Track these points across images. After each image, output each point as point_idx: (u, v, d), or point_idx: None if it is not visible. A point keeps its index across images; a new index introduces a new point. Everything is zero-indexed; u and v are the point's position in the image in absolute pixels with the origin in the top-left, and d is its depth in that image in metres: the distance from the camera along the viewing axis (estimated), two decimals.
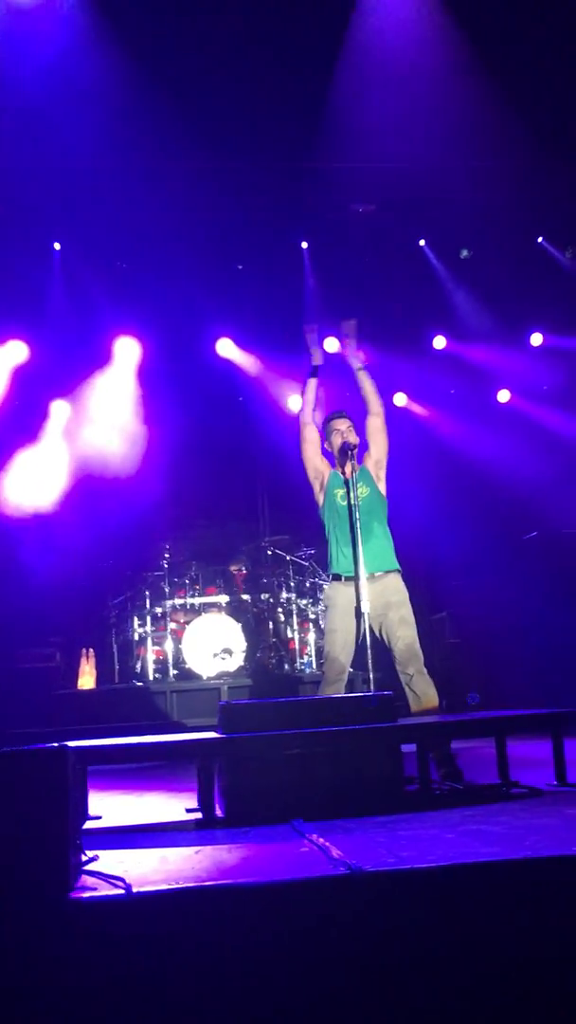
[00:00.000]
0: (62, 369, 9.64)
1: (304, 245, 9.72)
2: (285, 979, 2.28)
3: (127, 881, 2.40)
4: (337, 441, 5.00)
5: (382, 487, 5.06)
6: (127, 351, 9.84)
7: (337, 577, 4.97)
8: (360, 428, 5.13)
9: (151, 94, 7.50)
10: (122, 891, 2.34)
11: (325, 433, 5.16)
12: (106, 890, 2.38)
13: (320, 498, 5.11)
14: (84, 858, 2.70)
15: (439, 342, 10.37)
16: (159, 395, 9.90)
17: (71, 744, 2.64)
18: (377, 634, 4.80)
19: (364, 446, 5.07)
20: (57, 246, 9.22)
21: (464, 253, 9.62)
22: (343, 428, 5.04)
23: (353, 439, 4.94)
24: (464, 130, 8.07)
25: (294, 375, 10.37)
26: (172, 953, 2.26)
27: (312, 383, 5.26)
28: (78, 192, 8.58)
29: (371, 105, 7.89)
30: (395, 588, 4.90)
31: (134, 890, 2.35)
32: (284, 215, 9.21)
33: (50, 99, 7.53)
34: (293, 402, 10.43)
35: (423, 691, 4.74)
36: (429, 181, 8.73)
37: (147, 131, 7.81)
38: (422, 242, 9.78)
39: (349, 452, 4.85)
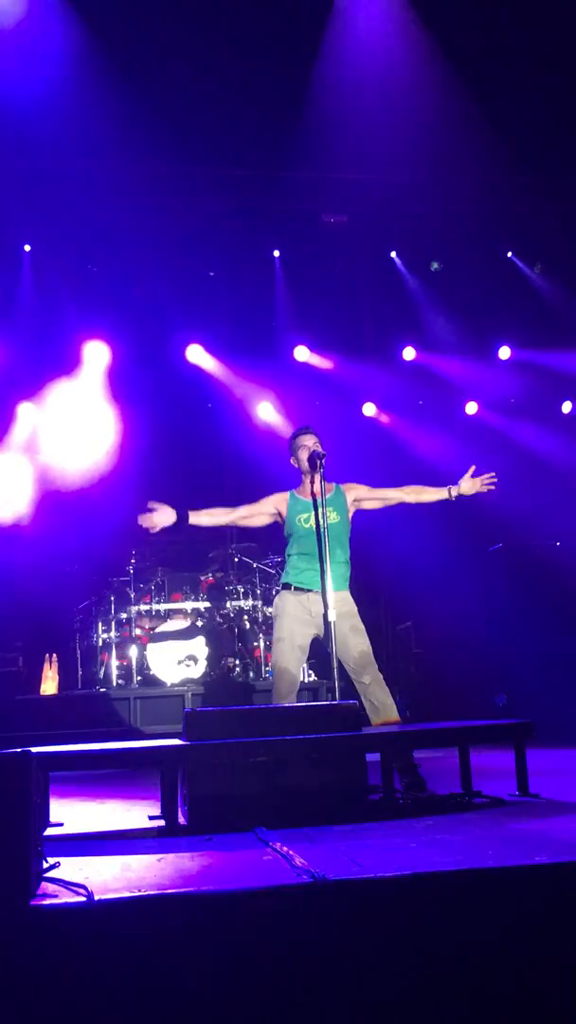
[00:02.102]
0: (30, 372, 9.57)
1: (276, 254, 9.76)
2: (247, 987, 2.28)
3: (89, 888, 2.38)
4: (304, 456, 4.96)
5: (350, 516, 5.06)
6: (96, 355, 9.80)
7: (287, 587, 4.95)
8: (375, 480, 5.16)
9: (125, 99, 7.50)
10: (84, 898, 2.32)
11: (291, 449, 5.12)
12: (67, 897, 2.36)
13: (284, 526, 5.07)
14: (45, 865, 2.67)
15: (408, 353, 10.45)
16: (127, 400, 9.87)
17: (34, 750, 2.62)
18: (334, 645, 4.78)
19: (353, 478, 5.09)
20: (27, 248, 9.17)
21: (434, 266, 9.71)
22: (310, 444, 5.01)
23: (321, 450, 4.92)
24: (436, 145, 8.16)
25: (263, 382, 10.39)
26: (134, 961, 2.25)
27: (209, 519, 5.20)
28: (49, 194, 8.55)
29: (345, 117, 7.96)
30: (346, 600, 4.88)
31: (96, 897, 2.33)
32: (257, 223, 9.25)
33: (23, 101, 7.50)
34: (263, 411, 10.45)
35: (382, 703, 4.72)
36: (401, 194, 8.82)
37: (121, 135, 7.81)
38: (393, 254, 9.85)
39: (318, 462, 4.84)
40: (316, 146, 8.21)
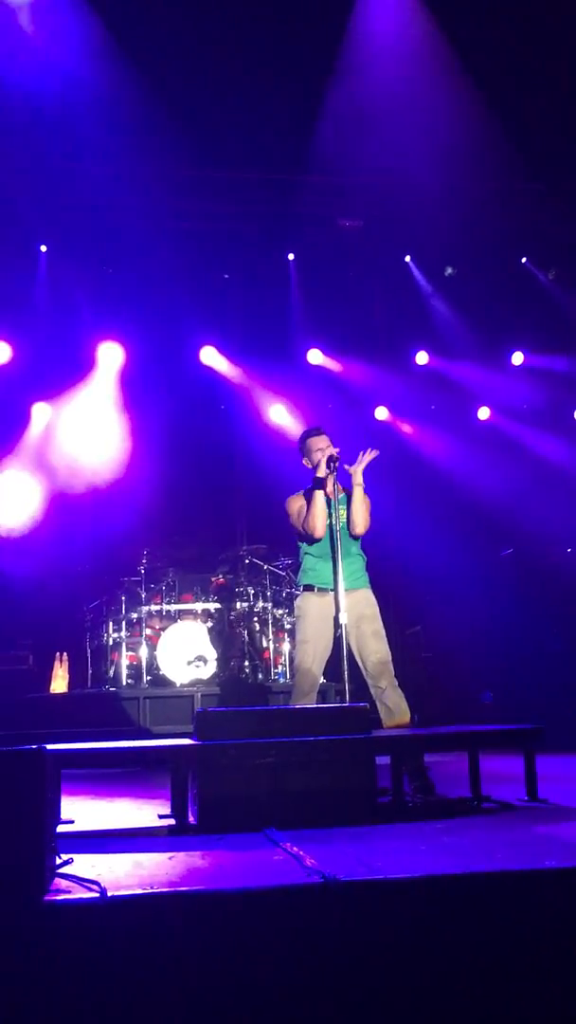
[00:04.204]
0: (45, 372, 9.62)
1: (291, 257, 9.78)
2: (257, 985, 2.30)
3: (102, 885, 2.41)
4: (318, 458, 4.99)
5: None
6: (110, 356, 9.84)
7: (309, 588, 4.98)
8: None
9: (143, 101, 7.54)
10: (97, 895, 2.35)
11: (302, 450, 5.14)
12: (81, 893, 2.39)
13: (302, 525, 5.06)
14: (58, 861, 2.70)
15: (421, 358, 10.46)
16: (141, 401, 9.90)
17: (48, 747, 2.64)
18: (349, 647, 4.81)
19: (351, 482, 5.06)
20: (44, 248, 9.22)
21: (449, 271, 9.72)
22: (323, 445, 5.03)
23: (334, 451, 4.95)
24: (453, 150, 8.17)
25: (276, 385, 10.42)
26: (145, 957, 2.27)
27: (322, 495, 4.95)
28: (67, 196, 8.60)
29: (362, 122, 7.98)
30: (368, 601, 4.94)
31: (108, 894, 2.35)
32: (272, 226, 9.28)
33: (43, 102, 7.55)
34: (275, 413, 10.47)
35: (395, 705, 4.76)
36: (416, 199, 8.83)
37: (138, 138, 7.85)
38: (408, 258, 9.87)
39: (332, 465, 4.87)
40: (333, 150, 8.24)
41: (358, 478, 4.93)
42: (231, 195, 8.84)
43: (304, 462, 5.12)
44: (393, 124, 7.92)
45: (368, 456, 4.96)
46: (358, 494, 4.94)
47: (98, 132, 7.80)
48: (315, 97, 7.86)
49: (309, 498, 4.99)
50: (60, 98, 7.55)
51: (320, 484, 4.90)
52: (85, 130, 7.79)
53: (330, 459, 4.88)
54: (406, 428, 10.78)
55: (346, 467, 4.96)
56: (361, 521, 4.96)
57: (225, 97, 7.77)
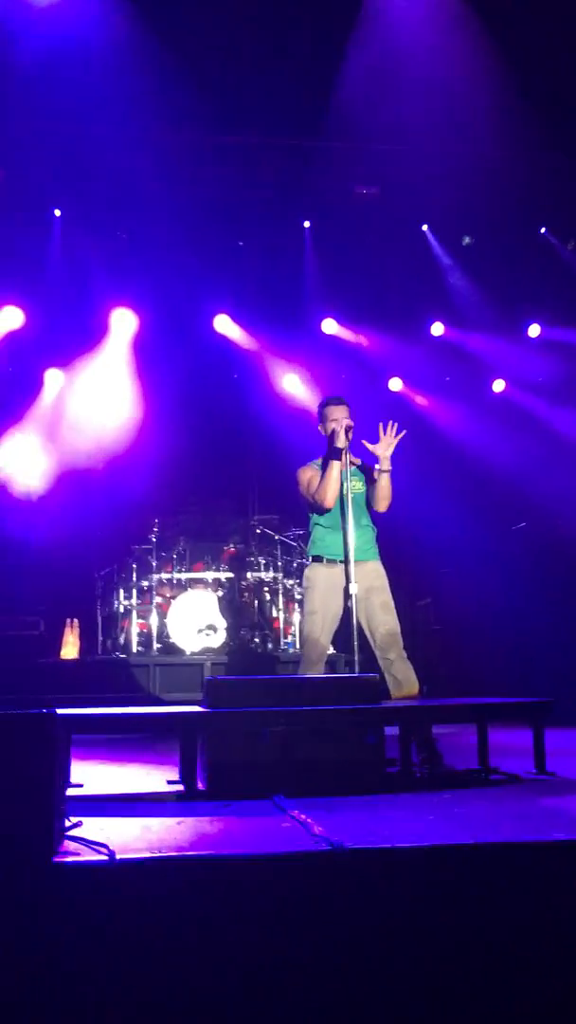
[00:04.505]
0: (57, 337, 9.58)
1: (306, 224, 9.68)
2: (263, 950, 2.31)
3: (110, 848, 2.42)
4: (332, 427, 4.96)
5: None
6: (123, 323, 9.79)
7: (318, 559, 4.98)
8: (399, 455, 5.00)
9: (159, 65, 7.43)
10: (105, 857, 2.36)
11: (320, 417, 5.12)
12: (89, 856, 2.40)
13: (313, 495, 5.02)
14: (68, 824, 2.72)
15: (437, 329, 10.37)
16: (154, 368, 9.86)
17: (58, 711, 2.65)
18: (358, 618, 4.81)
19: (372, 459, 5.00)
20: (57, 212, 9.14)
21: (466, 240, 9.60)
22: (339, 416, 4.99)
23: (350, 422, 4.92)
24: (472, 118, 8.04)
25: (290, 354, 10.35)
26: (153, 920, 2.29)
27: (338, 466, 4.88)
28: (81, 160, 8.51)
29: (379, 86, 7.85)
30: (377, 573, 4.94)
31: (117, 856, 2.37)
32: (287, 193, 9.16)
33: (56, 65, 7.45)
34: (289, 383, 10.41)
35: (404, 676, 4.77)
36: (435, 167, 8.71)
37: (154, 102, 7.75)
38: (425, 227, 9.75)
39: (347, 436, 4.84)
40: (350, 116, 8.11)
41: (386, 464, 4.88)
42: (247, 161, 8.74)
43: (320, 429, 5.09)
44: (412, 90, 7.79)
45: (394, 437, 4.89)
46: (385, 481, 4.89)
47: (113, 95, 7.70)
48: (333, 61, 7.72)
49: (323, 467, 4.97)
50: (74, 60, 7.45)
51: (335, 454, 4.87)
52: (100, 93, 7.69)
53: (347, 430, 4.85)
54: (420, 399, 10.71)
55: (370, 447, 4.92)
56: (385, 502, 4.94)
57: (241, 61, 7.65)
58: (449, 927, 2.42)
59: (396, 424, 4.92)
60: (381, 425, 4.91)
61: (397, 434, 4.90)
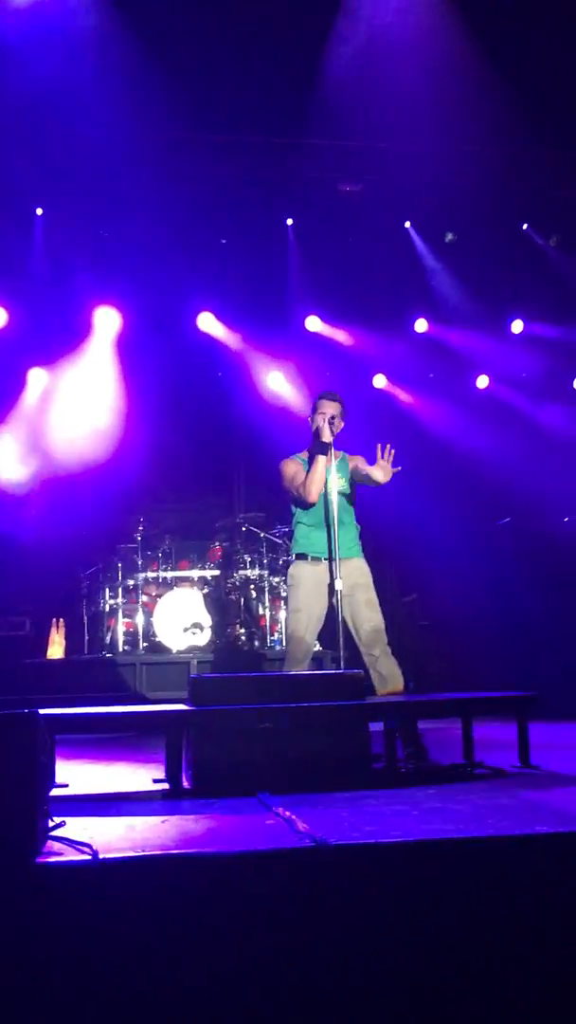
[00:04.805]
0: (41, 336, 9.54)
1: (289, 222, 9.67)
2: (248, 947, 2.31)
3: (94, 847, 2.42)
4: (318, 422, 4.96)
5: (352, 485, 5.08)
6: (107, 321, 9.76)
7: (302, 556, 4.98)
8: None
9: (141, 61, 7.40)
10: (89, 857, 2.36)
11: (312, 409, 5.09)
12: (73, 856, 2.40)
13: (296, 489, 5.02)
14: (51, 824, 2.71)
15: (421, 325, 10.38)
16: (138, 367, 9.83)
17: (41, 711, 2.65)
18: (342, 615, 4.81)
19: (356, 452, 5.00)
20: (39, 211, 9.10)
21: (449, 237, 9.61)
22: (329, 411, 4.99)
23: (337, 426, 4.92)
24: (454, 115, 8.04)
25: (274, 352, 10.34)
26: (137, 919, 2.28)
27: (323, 461, 4.88)
28: (62, 158, 8.47)
29: (362, 84, 7.85)
30: (362, 571, 4.95)
31: (100, 856, 2.36)
32: (271, 191, 9.15)
33: (36, 62, 7.42)
34: (273, 380, 10.40)
35: (389, 672, 4.78)
36: (417, 164, 8.71)
37: (135, 99, 7.72)
38: (407, 224, 9.76)
39: (331, 430, 4.85)
40: (332, 113, 8.11)
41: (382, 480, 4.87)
42: (229, 158, 8.72)
43: (310, 421, 5.07)
44: (393, 86, 7.79)
45: (390, 459, 4.88)
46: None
47: (95, 93, 7.67)
48: (314, 56, 7.71)
49: (309, 461, 4.97)
50: (55, 57, 7.41)
51: (321, 449, 4.87)
52: (81, 90, 7.66)
53: (330, 423, 4.85)
54: (404, 396, 10.72)
55: (366, 469, 4.90)
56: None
57: (223, 58, 7.63)
58: (434, 921, 2.42)
59: (392, 449, 4.90)
60: (379, 447, 4.90)
61: (389, 454, 4.88)
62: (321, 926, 2.37)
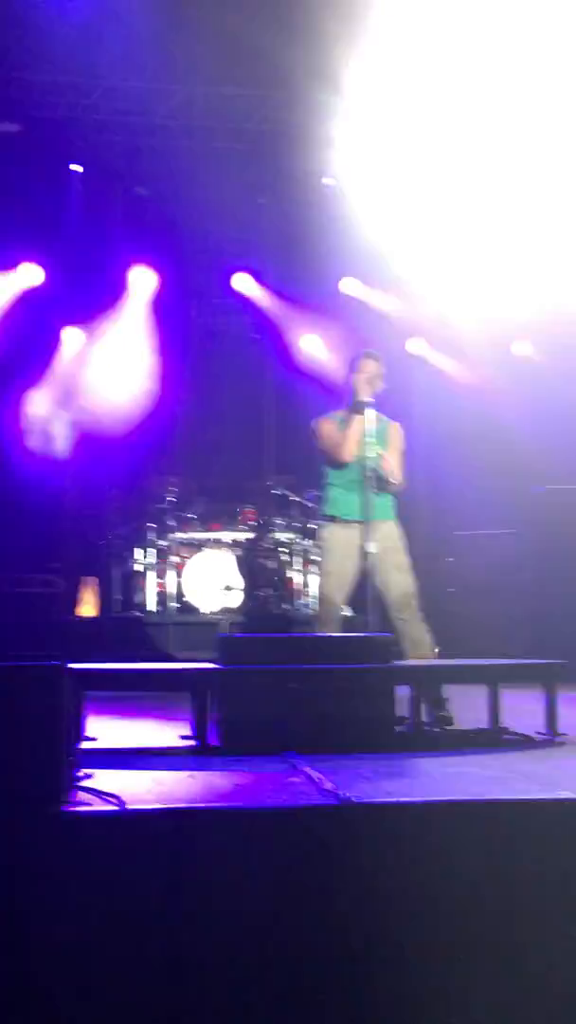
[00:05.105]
0: (76, 295, 9.53)
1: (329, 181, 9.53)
2: (271, 901, 2.34)
3: (121, 798, 2.45)
4: (358, 381, 4.88)
5: None
6: (142, 281, 9.72)
7: (333, 519, 4.96)
8: (416, 419, 4.96)
9: (182, 16, 7.30)
10: (115, 807, 2.39)
11: (351, 367, 5.02)
12: (100, 806, 2.43)
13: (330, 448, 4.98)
14: (79, 775, 2.75)
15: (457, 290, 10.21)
16: (172, 327, 9.80)
17: (70, 665, 2.67)
18: (374, 578, 4.79)
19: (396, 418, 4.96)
20: (77, 168, 9.06)
21: None
22: (370, 370, 4.91)
23: (377, 386, 4.85)
24: None
25: (309, 314, 10.25)
26: (162, 871, 2.31)
27: (358, 420, 4.81)
28: (100, 114, 8.42)
29: None
30: (393, 535, 4.91)
31: (127, 807, 2.39)
32: (310, 150, 9.01)
33: (73, 16, 7.34)
34: (306, 343, 10.33)
35: (419, 637, 4.77)
36: None
37: (175, 56, 7.65)
38: None
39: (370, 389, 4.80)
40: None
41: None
42: (270, 116, 8.61)
43: (351, 380, 4.98)
44: None
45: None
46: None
47: (133, 48, 7.59)
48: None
49: (345, 420, 4.91)
50: (91, 14, 7.34)
51: (357, 408, 4.81)
52: (120, 45, 7.59)
53: (371, 383, 4.79)
54: (440, 361, 10.60)
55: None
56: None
57: (274, 18, 7.49)
58: (458, 883, 2.43)
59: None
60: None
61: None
62: (344, 883, 2.39)
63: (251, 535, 9.16)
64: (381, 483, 4.86)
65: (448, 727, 4.31)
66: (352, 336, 9.84)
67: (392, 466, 4.84)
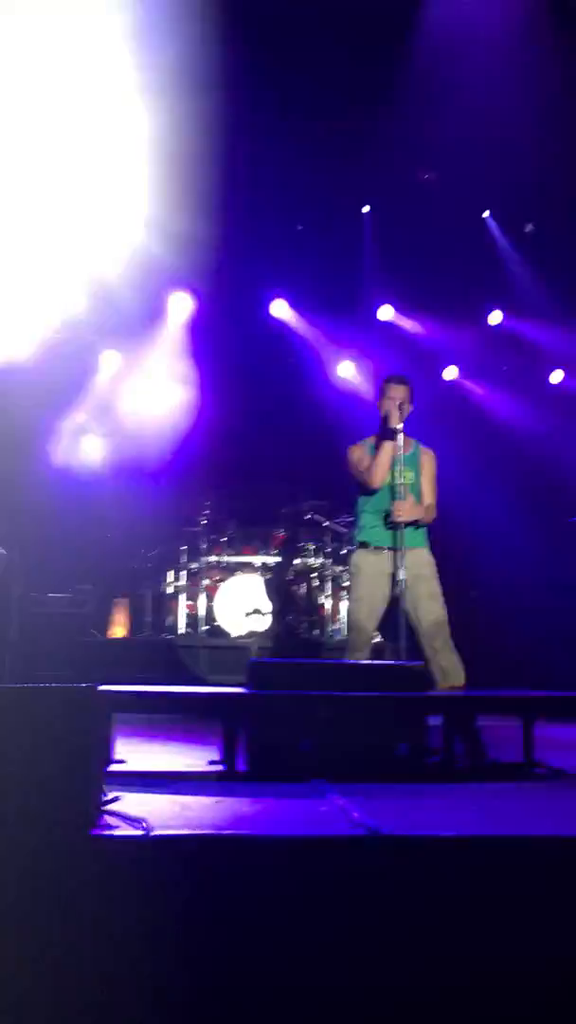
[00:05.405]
0: (114, 319, 9.62)
1: (366, 209, 9.59)
2: (294, 931, 2.30)
3: (147, 823, 2.43)
4: (387, 407, 4.88)
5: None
6: (180, 305, 9.82)
7: (364, 545, 4.93)
8: (451, 444, 4.97)
9: (224, 39, 7.39)
10: (142, 832, 2.37)
11: (379, 393, 5.02)
12: (126, 830, 2.41)
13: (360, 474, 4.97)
14: (107, 798, 2.73)
15: (495, 317, 10.22)
16: (210, 352, 9.87)
17: (100, 688, 2.67)
18: (405, 606, 4.75)
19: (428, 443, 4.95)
20: None
21: (528, 227, 9.43)
22: (397, 395, 4.90)
23: (405, 411, 4.83)
24: (537, 102, 7.88)
25: (346, 341, 10.29)
26: (187, 896, 2.29)
27: (389, 446, 4.84)
28: None
29: (444, 69, 7.74)
30: (426, 562, 4.88)
31: (153, 832, 2.37)
32: (348, 177, 9.08)
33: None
34: (344, 369, 10.36)
35: (450, 666, 4.72)
36: (498, 152, 8.55)
37: (218, 75, 7.72)
38: (486, 214, 9.60)
39: (400, 415, 4.78)
40: (413, 99, 8.01)
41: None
42: (307, 142, 8.67)
43: (378, 406, 5.00)
44: (477, 72, 7.66)
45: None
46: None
47: (177, 66, 7.66)
48: (397, 40, 7.63)
49: (376, 447, 4.90)
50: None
51: (388, 435, 4.80)
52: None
53: (400, 408, 4.77)
54: (476, 389, 10.58)
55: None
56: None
57: (307, 41, 7.58)
58: (485, 918, 2.38)
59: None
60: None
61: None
62: (370, 916, 2.35)
63: (282, 559, 9.15)
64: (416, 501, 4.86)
65: (480, 759, 4.25)
66: (388, 362, 9.86)
67: (407, 511, 4.78)
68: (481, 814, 2.93)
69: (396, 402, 4.82)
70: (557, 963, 2.34)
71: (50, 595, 8.58)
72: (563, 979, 2.34)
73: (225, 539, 9.20)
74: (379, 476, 4.82)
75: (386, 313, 10.24)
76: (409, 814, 2.85)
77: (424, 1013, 2.28)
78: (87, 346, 9.65)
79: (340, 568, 9.03)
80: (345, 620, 8.73)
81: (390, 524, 4.75)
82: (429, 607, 4.76)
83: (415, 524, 4.86)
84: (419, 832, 2.52)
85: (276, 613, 8.71)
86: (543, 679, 6.99)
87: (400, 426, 4.76)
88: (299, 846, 2.41)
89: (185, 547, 9.14)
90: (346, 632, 8.46)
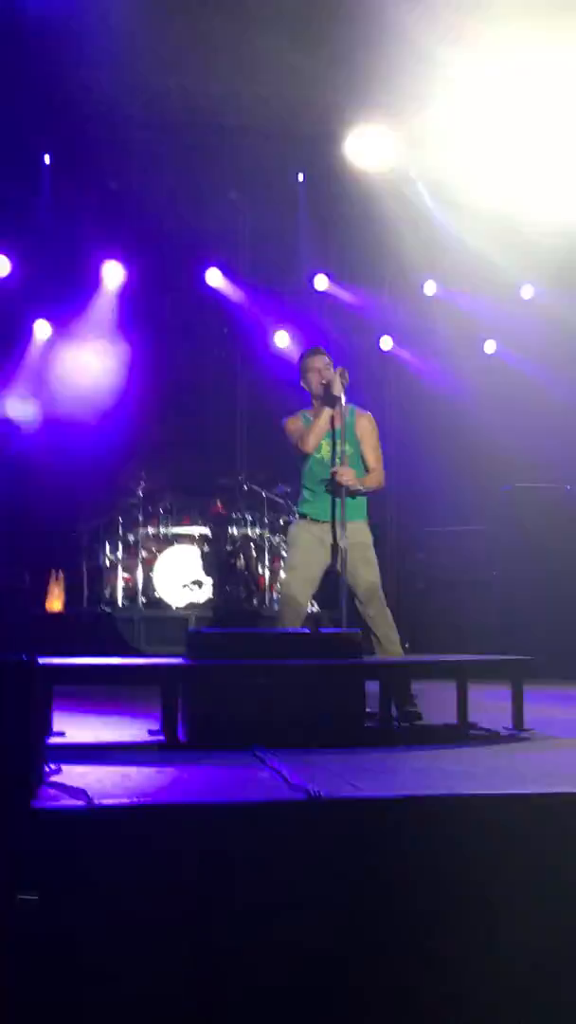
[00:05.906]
0: (46, 287, 9.45)
1: (300, 178, 9.54)
2: (238, 896, 2.34)
3: (88, 794, 2.44)
4: (314, 380, 4.87)
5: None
6: (113, 274, 9.67)
7: (303, 516, 4.95)
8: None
9: (153, 8, 7.26)
10: (83, 803, 2.38)
11: (301, 370, 5.01)
12: (68, 801, 2.42)
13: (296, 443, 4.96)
14: (48, 770, 2.73)
15: (430, 287, 10.29)
16: (144, 321, 9.76)
17: (39, 660, 2.66)
18: (344, 575, 4.78)
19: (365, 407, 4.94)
20: (47, 159, 8.97)
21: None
22: (319, 365, 4.89)
23: (329, 376, 4.80)
24: None
25: (281, 310, 10.26)
26: (129, 865, 2.31)
27: (328, 413, 4.76)
28: (71, 104, 8.33)
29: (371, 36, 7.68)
30: (362, 531, 4.90)
31: (95, 803, 2.38)
32: (279, 145, 9.01)
33: (46, 7, 7.27)
34: (279, 339, 10.33)
35: (385, 633, 4.76)
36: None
37: (148, 48, 7.59)
38: (420, 185, 9.61)
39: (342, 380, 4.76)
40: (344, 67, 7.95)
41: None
42: (240, 111, 8.58)
43: (302, 383, 4.98)
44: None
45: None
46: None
47: (105, 40, 7.53)
48: (327, 14, 7.55)
49: (314, 414, 4.88)
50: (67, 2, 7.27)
51: (330, 402, 4.78)
52: (92, 37, 7.52)
53: (340, 376, 4.74)
54: (410, 359, 10.65)
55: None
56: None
57: (237, 8, 7.47)
58: (423, 877, 2.45)
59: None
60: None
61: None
62: (311, 878, 2.40)
63: (220, 530, 9.15)
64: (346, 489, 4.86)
65: (416, 723, 4.34)
66: (324, 332, 9.87)
67: (351, 476, 4.78)
68: (417, 775, 3.00)
69: (315, 372, 4.81)
70: (496, 915, 2.43)
71: None
72: (503, 931, 2.42)
73: (162, 510, 9.15)
74: (309, 442, 4.80)
75: (322, 283, 10.23)
76: (347, 777, 2.90)
77: (363, 969, 2.35)
78: (16, 313, 9.47)
79: (278, 538, 9.07)
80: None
81: (330, 489, 4.75)
82: (363, 573, 4.79)
83: (356, 494, 4.87)
84: (357, 795, 2.57)
85: (215, 584, 8.72)
86: (481, 643, 7.15)
87: (340, 393, 4.73)
88: (239, 812, 2.44)
89: (121, 519, 9.07)
90: (278, 602, 8.52)
